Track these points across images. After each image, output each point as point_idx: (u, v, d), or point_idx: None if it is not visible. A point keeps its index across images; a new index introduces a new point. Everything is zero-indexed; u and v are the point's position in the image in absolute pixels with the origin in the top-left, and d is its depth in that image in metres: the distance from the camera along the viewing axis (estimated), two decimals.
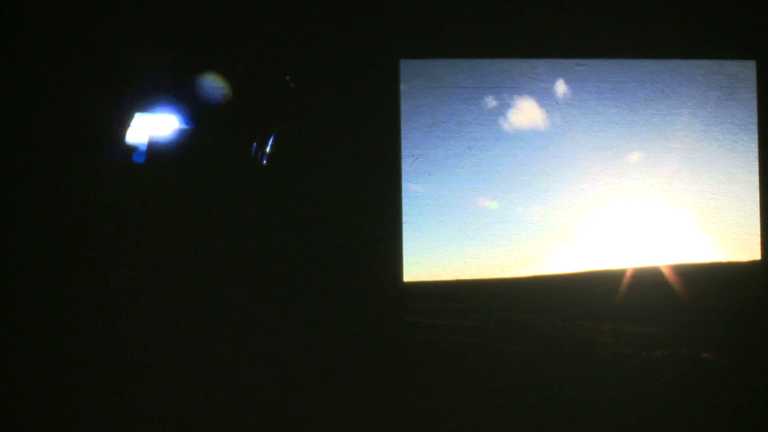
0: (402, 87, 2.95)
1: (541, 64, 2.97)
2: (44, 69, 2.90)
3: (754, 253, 2.93)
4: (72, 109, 2.93)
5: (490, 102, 2.97)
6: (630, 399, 2.90)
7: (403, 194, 2.94)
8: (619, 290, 2.92)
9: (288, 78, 2.83)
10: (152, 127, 2.99)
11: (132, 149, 2.99)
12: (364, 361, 2.92)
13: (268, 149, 2.93)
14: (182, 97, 2.98)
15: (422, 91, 2.96)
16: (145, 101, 2.97)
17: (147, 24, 2.95)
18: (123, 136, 2.97)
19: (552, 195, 2.96)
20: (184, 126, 3.02)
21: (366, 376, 2.91)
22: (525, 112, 2.97)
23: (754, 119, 2.95)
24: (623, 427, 2.88)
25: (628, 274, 2.93)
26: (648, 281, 2.92)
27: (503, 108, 2.97)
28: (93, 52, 2.94)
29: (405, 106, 2.96)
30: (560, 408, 2.90)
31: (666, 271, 2.92)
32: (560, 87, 2.97)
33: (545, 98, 2.97)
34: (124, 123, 2.96)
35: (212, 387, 2.93)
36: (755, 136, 2.95)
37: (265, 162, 2.90)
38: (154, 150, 2.97)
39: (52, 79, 2.92)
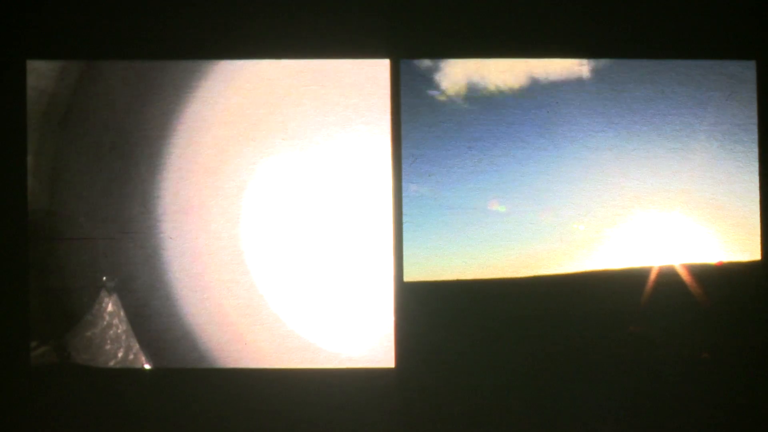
0: (402, 87, 2.95)
1: (541, 64, 2.97)
2: None
3: (754, 253, 2.93)
4: None
5: (490, 102, 2.97)
6: (630, 399, 2.90)
7: (403, 194, 2.94)
8: (619, 290, 2.92)
9: None
10: None
11: None
12: (363, 360, 2.91)
13: None
14: None
15: (422, 91, 2.96)
16: None
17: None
18: None
19: (552, 195, 2.96)
20: None
21: (365, 375, 2.91)
22: (524, 112, 2.97)
23: (754, 119, 2.95)
24: (623, 427, 2.88)
25: (627, 274, 2.93)
26: (647, 281, 2.92)
27: (503, 108, 2.97)
28: None
29: (405, 106, 2.96)
30: (560, 408, 2.90)
31: (666, 272, 2.92)
32: (560, 87, 2.97)
33: (545, 98, 2.97)
34: None
35: (211, 387, 2.93)
36: (755, 136, 2.95)
37: None
38: None
39: None
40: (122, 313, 2.90)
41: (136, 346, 2.90)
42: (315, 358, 2.91)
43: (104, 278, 2.90)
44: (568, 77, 2.97)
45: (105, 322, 2.90)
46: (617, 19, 2.97)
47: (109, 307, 2.90)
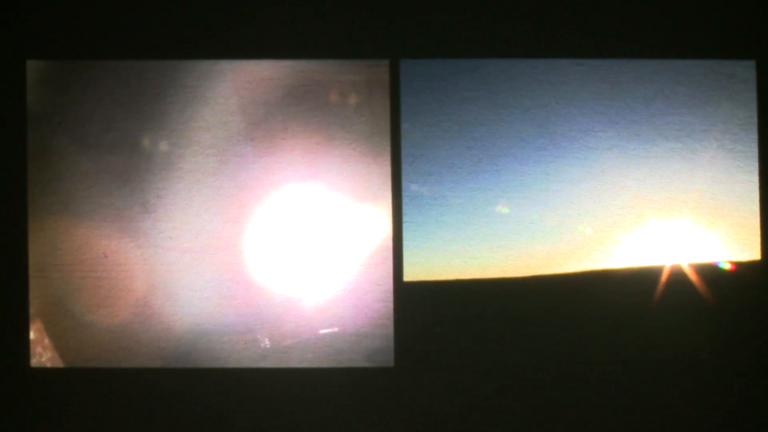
0: (402, 87, 2.95)
1: (541, 64, 2.97)
2: None
3: (754, 253, 2.93)
4: None
5: (490, 102, 2.97)
6: (629, 399, 2.90)
7: (403, 194, 2.94)
8: (619, 290, 2.92)
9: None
10: None
11: None
12: (362, 359, 2.91)
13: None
14: None
15: (422, 91, 2.97)
16: None
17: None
18: None
19: (552, 195, 2.96)
20: None
21: (364, 374, 2.91)
22: (524, 112, 2.97)
23: (754, 119, 2.95)
24: (623, 427, 2.88)
25: (627, 274, 2.93)
26: (647, 281, 2.92)
27: (503, 108, 2.97)
28: None
29: (405, 106, 2.96)
30: (559, 408, 2.90)
31: (665, 272, 2.92)
32: (560, 87, 2.97)
33: (545, 98, 2.97)
34: None
35: (211, 387, 2.93)
36: (755, 136, 2.95)
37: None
38: None
39: None
40: (47, 341, 2.86)
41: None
42: (314, 357, 2.91)
43: None
44: (568, 77, 2.97)
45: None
46: (617, 19, 2.97)
47: (31, 335, 2.87)
